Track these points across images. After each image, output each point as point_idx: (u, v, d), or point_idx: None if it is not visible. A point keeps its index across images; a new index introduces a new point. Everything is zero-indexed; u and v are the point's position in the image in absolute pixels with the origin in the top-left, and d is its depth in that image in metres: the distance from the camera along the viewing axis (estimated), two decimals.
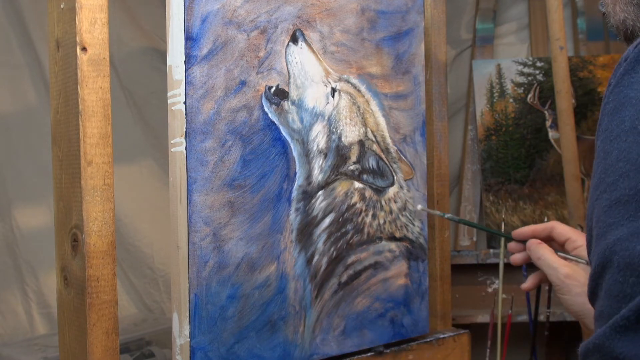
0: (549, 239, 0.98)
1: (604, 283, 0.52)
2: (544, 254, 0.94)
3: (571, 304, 0.89)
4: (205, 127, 0.97)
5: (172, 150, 0.97)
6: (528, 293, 1.46)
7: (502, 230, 1.57)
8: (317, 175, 1.11)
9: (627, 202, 0.51)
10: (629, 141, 0.52)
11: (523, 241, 1.00)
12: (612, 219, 0.52)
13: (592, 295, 0.55)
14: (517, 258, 1.02)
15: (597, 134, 0.59)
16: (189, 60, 0.95)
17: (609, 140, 0.55)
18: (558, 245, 0.98)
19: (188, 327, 0.96)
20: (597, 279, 0.54)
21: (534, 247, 0.96)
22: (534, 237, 0.98)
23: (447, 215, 1.19)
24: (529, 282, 1.01)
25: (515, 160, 1.96)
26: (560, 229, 0.97)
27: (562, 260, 0.93)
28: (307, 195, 1.09)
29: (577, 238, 0.95)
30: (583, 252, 0.92)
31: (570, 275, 0.89)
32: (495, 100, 1.98)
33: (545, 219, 1.91)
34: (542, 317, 1.83)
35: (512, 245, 1.03)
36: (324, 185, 1.11)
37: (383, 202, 1.19)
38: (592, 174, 0.57)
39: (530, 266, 1.03)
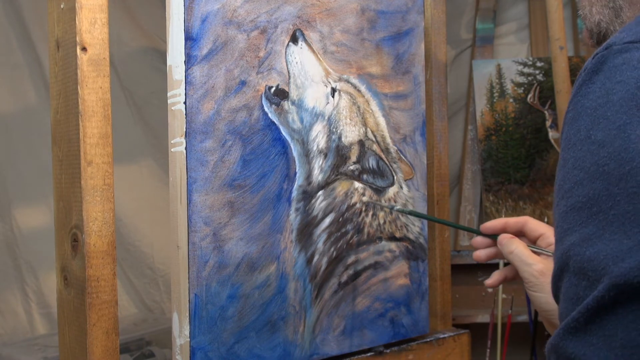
0: (520, 234, 0.95)
1: (562, 286, 0.55)
2: (517, 248, 0.90)
3: (543, 302, 0.86)
4: (205, 127, 0.97)
5: (172, 150, 0.97)
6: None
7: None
8: (317, 175, 1.11)
9: (580, 209, 0.53)
10: (584, 150, 0.54)
11: (493, 236, 0.97)
12: (568, 224, 0.54)
13: (556, 297, 0.57)
14: (481, 254, 0.98)
15: (560, 141, 0.61)
16: (189, 60, 0.95)
17: (567, 148, 0.57)
18: (530, 242, 0.94)
19: (188, 327, 0.96)
20: (557, 282, 0.56)
21: (506, 241, 0.92)
22: (505, 231, 0.95)
23: (396, 208, 1.16)
24: (493, 278, 0.96)
25: (515, 160, 1.96)
26: (533, 224, 0.94)
27: (536, 256, 0.89)
28: (307, 195, 1.09)
29: (550, 234, 0.92)
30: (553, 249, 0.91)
31: (544, 272, 0.86)
32: (495, 100, 1.98)
33: (546, 219, 1.91)
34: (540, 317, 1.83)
35: (477, 240, 0.99)
36: (324, 185, 1.11)
37: (383, 202, 1.19)
38: (555, 180, 0.60)
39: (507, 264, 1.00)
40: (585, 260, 0.51)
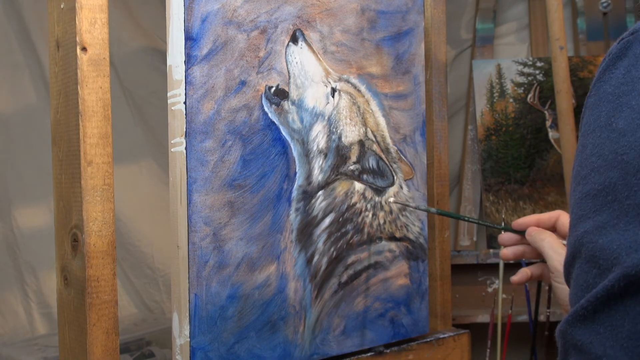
0: (552, 230, 0.94)
1: (573, 272, 0.55)
2: (547, 238, 0.90)
3: (566, 294, 0.84)
4: (205, 127, 0.97)
5: (172, 150, 0.97)
6: (528, 293, 1.46)
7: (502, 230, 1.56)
8: (317, 175, 1.11)
9: (595, 196, 0.53)
10: (603, 137, 0.53)
11: (521, 232, 0.95)
12: (582, 211, 0.54)
13: (567, 283, 0.58)
14: (508, 252, 0.97)
15: (579, 126, 0.60)
16: (189, 60, 0.95)
17: (586, 134, 0.56)
18: (561, 237, 0.94)
19: (188, 327, 0.96)
20: (569, 268, 0.56)
21: (536, 232, 0.92)
22: (537, 225, 0.94)
23: (422, 207, 1.16)
24: (519, 275, 0.96)
25: (515, 160, 1.96)
26: (565, 219, 0.93)
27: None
28: (307, 195, 1.09)
29: None
30: None
31: None
32: (495, 100, 1.98)
33: None
34: (542, 317, 1.83)
35: (504, 237, 0.97)
36: (324, 185, 1.11)
37: (383, 202, 1.19)
38: (573, 165, 0.59)
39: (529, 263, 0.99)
40: (597, 249, 0.51)
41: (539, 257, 0.93)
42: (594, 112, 0.56)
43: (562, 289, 0.86)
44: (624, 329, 0.48)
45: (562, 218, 0.94)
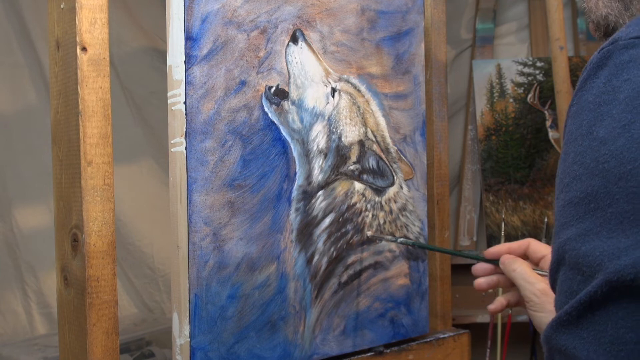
0: (523, 258, 0.94)
1: (558, 279, 0.55)
2: (520, 267, 0.90)
3: (544, 322, 0.84)
4: (205, 127, 0.97)
5: (172, 150, 0.97)
6: None
7: (502, 230, 1.57)
8: (317, 175, 1.11)
9: (578, 204, 0.53)
10: (584, 145, 0.54)
11: (495, 261, 0.96)
12: (565, 218, 0.55)
13: (553, 289, 0.58)
14: (482, 282, 0.97)
15: (563, 135, 0.61)
16: (189, 60, 0.95)
17: (568, 142, 0.57)
18: (533, 264, 0.94)
19: (188, 327, 0.96)
20: (554, 275, 0.57)
21: (509, 260, 0.92)
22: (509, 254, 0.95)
23: (400, 240, 1.16)
24: (496, 304, 0.96)
25: (515, 160, 1.96)
26: (536, 246, 0.94)
27: (538, 276, 0.89)
28: (307, 195, 1.09)
29: None
30: None
31: (546, 292, 0.85)
32: (495, 100, 1.98)
33: (546, 219, 1.90)
34: None
35: (478, 268, 0.98)
36: (324, 185, 1.11)
37: (383, 202, 1.19)
38: (556, 173, 0.60)
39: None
40: (580, 256, 0.52)
41: (514, 286, 0.93)
42: (575, 121, 0.57)
43: (540, 317, 0.86)
44: (607, 334, 0.49)
45: (533, 245, 0.94)
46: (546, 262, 0.91)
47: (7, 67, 1.68)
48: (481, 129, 1.96)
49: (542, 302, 0.85)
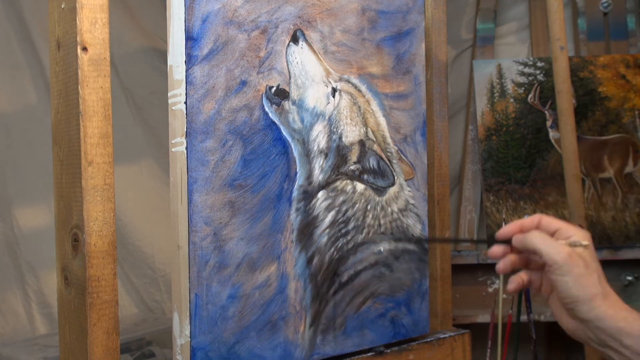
0: None
1: None
2: (537, 234, 0.87)
3: (570, 286, 0.83)
4: (205, 127, 0.97)
5: (172, 150, 0.97)
6: (528, 293, 1.46)
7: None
8: (318, 175, 1.11)
9: None
10: None
11: (507, 241, 0.92)
12: None
13: None
14: (503, 266, 0.92)
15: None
16: (190, 60, 0.95)
17: None
18: None
19: (189, 327, 0.96)
20: None
21: (523, 235, 0.89)
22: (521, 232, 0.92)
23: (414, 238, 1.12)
24: (514, 284, 0.92)
25: (516, 160, 1.96)
26: (547, 221, 0.91)
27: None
28: (308, 195, 1.09)
29: (567, 228, 0.89)
30: (574, 241, 0.87)
31: (572, 256, 0.84)
32: (495, 100, 1.98)
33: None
34: (542, 318, 1.83)
35: (495, 250, 0.94)
36: (325, 185, 1.11)
37: (384, 202, 1.19)
38: None
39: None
40: None
41: (527, 266, 0.92)
42: None
43: (564, 281, 0.84)
44: None
45: (544, 220, 0.92)
46: (560, 235, 0.89)
47: (7, 67, 1.68)
48: (482, 129, 1.96)
49: (569, 265, 0.84)
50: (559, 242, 0.88)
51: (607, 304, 0.83)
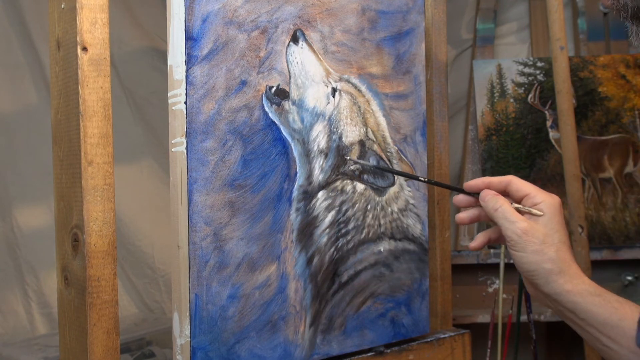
0: (504, 194, 0.92)
1: None
2: (502, 205, 0.88)
3: (525, 262, 0.85)
4: (205, 127, 0.97)
5: (172, 150, 0.97)
6: (529, 294, 1.46)
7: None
8: (318, 175, 1.11)
9: None
10: None
11: (476, 194, 0.92)
12: None
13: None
14: (464, 216, 0.94)
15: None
16: (190, 60, 0.95)
17: None
18: (515, 202, 0.91)
19: (189, 327, 0.96)
20: None
21: (490, 197, 0.89)
22: (488, 189, 0.92)
23: (373, 165, 1.10)
24: (477, 241, 0.93)
25: (516, 160, 1.96)
26: (518, 184, 0.91)
27: (520, 215, 0.87)
28: (308, 195, 1.09)
29: (536, 194, 0.89)
30: (541, 208, 0.87)
31: (528, 231, 0.85)
32: (495, 100, 1.98)
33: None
34: (542, 318, 1.83)
35: (459, 198, 0.94)
36: (325, 185, 1.11)
37: (384, 202, 1.19)
38: None
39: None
40: None
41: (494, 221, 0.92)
42: None
43: (520, 256, 0.85)
44: None
45: (515, 183, 0.91)
46: (529, 200, 0.89)
47: (7, 67, 1.68)
48: (482, 129, 1.96)
49: (524, 242, 0.85)
50: (521, 210, 0.88)
51: (564, 279, 0.84)
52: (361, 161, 1.13)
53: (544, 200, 0.88)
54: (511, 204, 0.90)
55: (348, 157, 1.12)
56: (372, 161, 1.17)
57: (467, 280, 1.91)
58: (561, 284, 0.84)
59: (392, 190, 1.20)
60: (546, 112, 1.95)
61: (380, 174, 1.18)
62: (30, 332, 1.69)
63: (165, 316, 1.83)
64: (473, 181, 0.94)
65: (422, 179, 1.10)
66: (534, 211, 0.88)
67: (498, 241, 0.94)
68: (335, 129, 1.13)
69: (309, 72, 1.09)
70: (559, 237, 0.86)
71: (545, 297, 0.87)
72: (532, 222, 0.86)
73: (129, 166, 1.84)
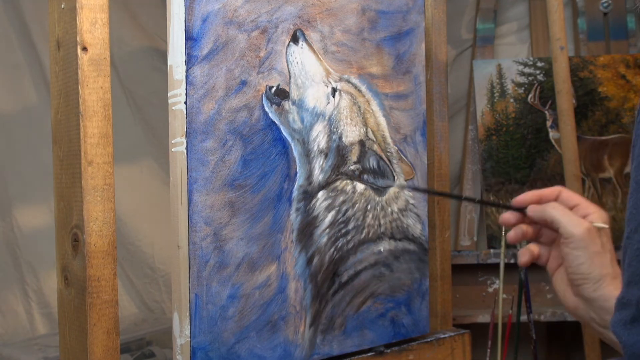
0: None
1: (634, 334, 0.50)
2: (556, 205, 0.85)
3: (583, 263, 0.81)
4: (205, 127, 0.97)
5: (172, 150, 0.97)
6: (529, 293, 1.46)
7: (503, 230, 1.56)
8: (318, 175, 1.10)
9: None
10: None
11: (522, 209, 0.89)
12: None
13: (619, 336, 0.53)
14: (514, 234, 0.89)
15: (632, 156, 0.52)
16: (190, 60, 0.95)
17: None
18: None
19: (189, 327, 0.96)
20: (628, 326, 0.52)
21: (544, 205, 0.86)
22: (539, 203, 0.88)
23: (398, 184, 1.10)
24: (526, 256, 0.88)
25: (516, 160, 1.96)
26: (567, 195, 0.87)
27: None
28: (308, 195, 1.09)
29: (587, 205, 0.86)
30: (593, 219, 0.85)
31: (591, 232, 0.82)
32: (495, 100, 1.98)
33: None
34: (542, 318, 1.83)
35: (507, 217, 0.89)
36: (325, 185, 1.11)
37: (384, 202, 1.19)
38: (628, 200, 0.52)
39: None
40: None
41: (538, 239, 0.90)
42: None
43: (577, 256, 0.82)
44: None
45: (564, 194, 0.88)
46: (579, 212, 0.86)
47: (7, 67, 1.68)
48: (482, 129, 1.96)
49: (586, 239, 0.82)
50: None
51: (615, 285, 0.82)
52: (419, 187, 1.12)
53: (595, 211, 0.87)
54: None
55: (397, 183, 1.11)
56: (372, 161, 1.17)
57: (467, 280, 1.91)
58: (612, 290, 0.82)
59: (392, 190, 1.20)
60: (546, 112, 1.95)
61: (380, 173, 1.18)
62: (30, 332, 1.69)
63: (165, 316, 1.83)
64: (522, 196, 0.90)
65: (475, 199, 1.07)
66: (599, 224, 0.85)
67: (539, 257, 0.89)
68: (335, 129, 1.12)
69: (309, 72, 1.09)
70: (611, 247, 0.85)
71: (590, 305, 0.84)
72: (592, 225, 0.85)
73: (129, 166, 1.84)
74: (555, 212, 0.85)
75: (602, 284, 0.82)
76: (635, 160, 0.50)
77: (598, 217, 0.86)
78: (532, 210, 0.88)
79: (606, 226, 0.85)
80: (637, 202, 0.49)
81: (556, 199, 0.89)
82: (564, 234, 0.84)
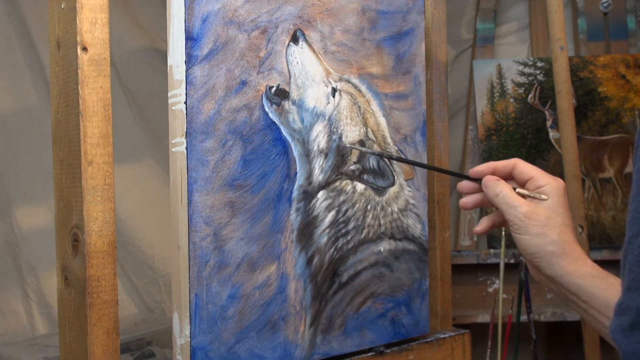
0: (509, 178, 0.93)
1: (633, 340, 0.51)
2: (503, 191, 0.88)
3: (528, 245, 0.85)
4: (205, 127, 0.97)
5: (172, 150, 0.97)
6: (529, 293, 1.46)
7: (503, 230, 1.56)
8: (318, 175, 1.11)
9: None
10: None
11: (478, 180, 0.94)
12: None
13: (617, 341, 0.54)
14: (467, 201, 0.95)
15: (634, 159, 0.53)
16: (190, 60, 0.95)
17: None
18: (519, 185, 0.92)
19: (188, 327, 0.96)
20: (627, 332, 0.52)
21: (491, 183, 0.90)
22: (493, 174, 0.93)
23: (386, 154, 1.11)
24: (481, 225, 0.95)
25: None
26: (523, 167, 0.92)
27: (522, 198, 0.88)
28: (308, 195, 1.09)
29: (540, 177, 0.89)
30: (545, 191, 0.88)
31: (530, 215, 0.85)
32: (495, 100, 1.98)
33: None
34: (542, 318, 1.83)
35: (464, 184, 0.96)
36: (325, 185, 1.11)
37: (384, 202, 1.19)
38: (629, 203, 0.53)
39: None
40: None
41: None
42: None
43: (524, 239, 0.86)
44: None
45: (520, 166, 0.92)
46: (533, 183, 0.90)
47: (7, 67, 1.68)
48: (482, 129, 1.96)
49: (526, 225, 0.85)
50: (520, 195, 0.88)
51: (566, 262, 0.84)
52: (362, 148, 1.13)
53: (547, 183, 0.89)
54: (514, 189, 0.90)
55: (348, 145, 1.12)
56: (373, 161, 1.17)
57: (467, 280, 1.91)
58: (563, 267, 0.84)
59: (392, 190, 1.20)
60: (546, 112, 1.95)
61: (380, 173, 1.18)
62: (30, 332, 1.69)
63: (165, 316, 1.83)
64: (478, 167, 0.95)
65: (426, 165, 1.10)
66: (538, 195, 0.88)
67: (502, 224, 0.95)
68: (335, 129, 1.13)
69: (309, 72, 1.09)
70: (562, 219, 0.86)
71: (548, 280, 0.87)
72: (534, 206, 0.87)
73: (129, 166, 1.84)
74: (498, 199, 0.89)
75: (552, 261, 0.84)
76: (637, 163, 0.51)
77: (549, 189, 0.88)
78: (483, 186, 0.92)
79: (545, 197, 0.87)
80: (638, 206, 0.50)
81: (511, 170, 0.92)
82: (508, 222, 0.87)
